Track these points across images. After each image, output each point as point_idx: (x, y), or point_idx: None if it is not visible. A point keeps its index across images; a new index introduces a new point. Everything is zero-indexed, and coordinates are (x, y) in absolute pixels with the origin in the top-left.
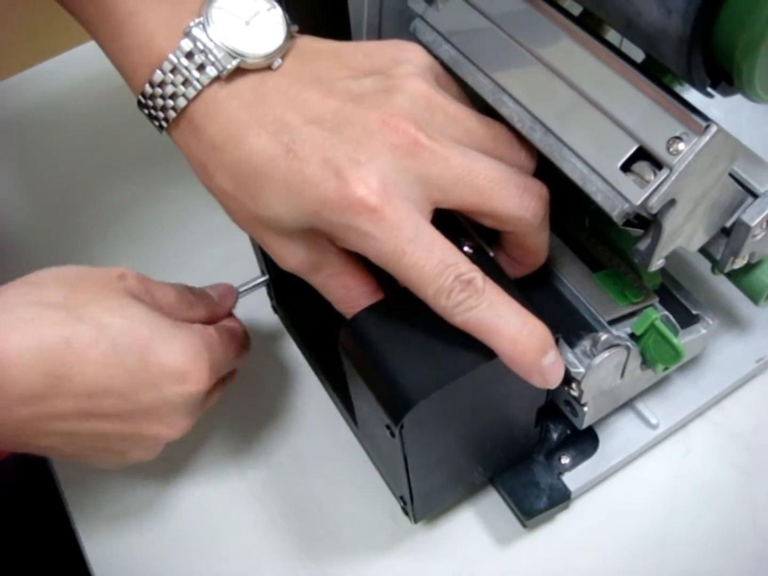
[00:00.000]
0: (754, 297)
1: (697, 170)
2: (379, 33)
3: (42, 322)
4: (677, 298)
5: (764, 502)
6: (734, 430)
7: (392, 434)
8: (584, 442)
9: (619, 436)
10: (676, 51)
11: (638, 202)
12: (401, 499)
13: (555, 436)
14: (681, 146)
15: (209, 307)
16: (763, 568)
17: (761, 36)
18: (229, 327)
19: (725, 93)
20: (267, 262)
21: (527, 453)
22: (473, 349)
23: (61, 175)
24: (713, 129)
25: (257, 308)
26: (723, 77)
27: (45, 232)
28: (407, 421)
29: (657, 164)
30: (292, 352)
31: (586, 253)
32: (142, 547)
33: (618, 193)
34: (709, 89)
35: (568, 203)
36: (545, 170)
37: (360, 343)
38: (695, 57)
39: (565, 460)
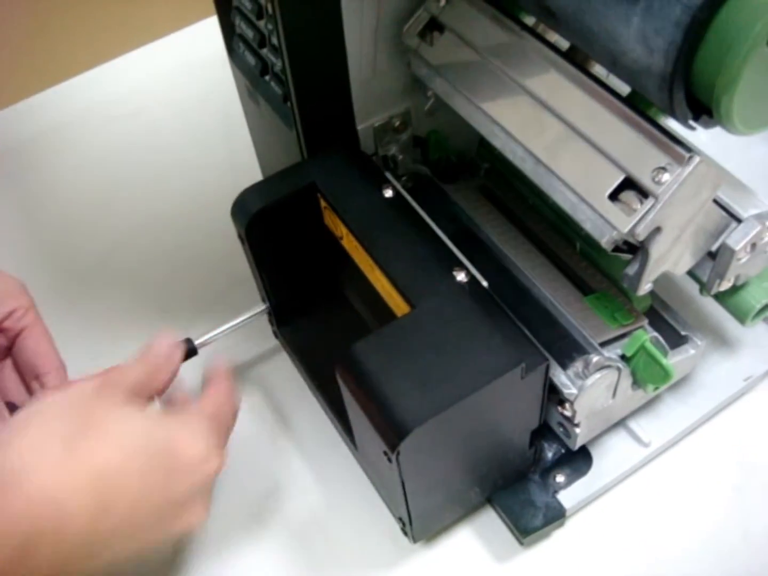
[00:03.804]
0: (740, 317)
1: (681, 199)
2: (374, 65)
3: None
4: (666, 319)
5: (755, 517)
6: (725, 447)
7: (389, 460)
8: (578, 460)
9: (612, 455)
10: (658, 87)
11: (625, 230)
12: (400, 520)
13: (550, 455)
14: (666, 176)
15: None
16: None
17: (738, 74)
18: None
19: (706, 126)
20: (267, 290)
21: (523, 473)
22: (466, 377)
23: (60, 203)
24: (696, 160)
25: (260, 333)
26: (704, 111)
27: (44, 261)
28: (403, 448)
29: (643, 193)
30: (294, 375)
31: (578, 277)
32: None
33: (606, 222)
34: (691, 122)
35: (559, 230)
36: (538, 198)
37: (357, 373)
38: (677, 93)
39: (560, 478)
